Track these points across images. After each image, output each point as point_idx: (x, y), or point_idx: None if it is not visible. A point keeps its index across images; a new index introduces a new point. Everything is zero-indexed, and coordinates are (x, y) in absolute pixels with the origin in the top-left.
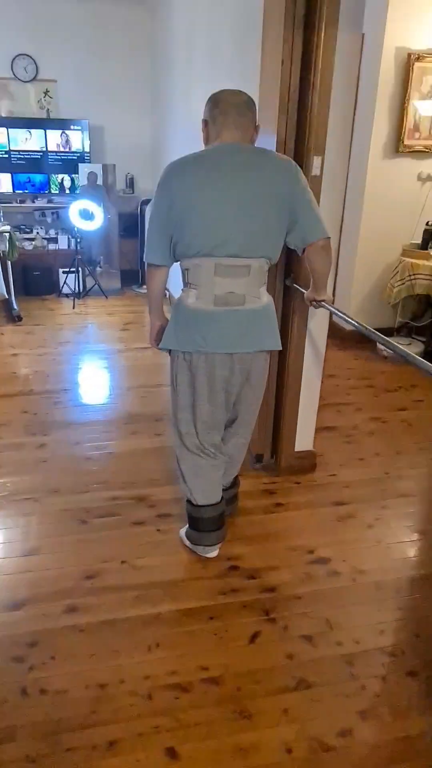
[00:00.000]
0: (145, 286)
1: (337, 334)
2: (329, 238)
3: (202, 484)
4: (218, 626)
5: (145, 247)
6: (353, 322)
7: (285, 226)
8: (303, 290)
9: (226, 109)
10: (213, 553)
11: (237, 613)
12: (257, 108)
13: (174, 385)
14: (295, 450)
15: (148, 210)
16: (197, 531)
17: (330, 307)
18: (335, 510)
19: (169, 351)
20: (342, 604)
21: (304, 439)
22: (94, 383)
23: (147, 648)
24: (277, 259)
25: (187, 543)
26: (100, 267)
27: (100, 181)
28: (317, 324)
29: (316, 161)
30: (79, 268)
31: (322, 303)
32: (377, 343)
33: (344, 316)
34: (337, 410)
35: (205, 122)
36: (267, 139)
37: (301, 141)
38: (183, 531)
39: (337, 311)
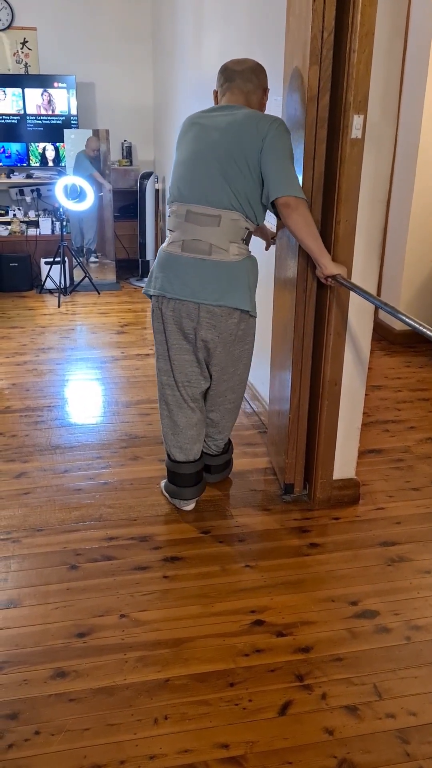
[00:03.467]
0: (145, 279)
1: (384, 335)
2: (295, 197)
3: (180, 441)
4: (240, 695)
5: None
6: (402, 316)
7: (259, 184)
8: (340, 279)
9: (231, 75)
10: (189, 506)
11: (263, 678)
12: (283, 56)
13: (153, 335)
14: (334, 478)
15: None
16: (175, 486)
17: (345, 282)
18: (383, 552)
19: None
20: (393, 668)
21: (344, 465)
22: (85, 398)
23: (153, 721)
24: (260, 218)
25: (166, 495)
26: (96, 257)
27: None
28: (359, 322)
29: (357, 121)
30: (66, 258)
31: (336, 279)
32: None
33: (373, 299)
34: (385, 429)
35: (215, 92)
36: (296, 95)
37: (337, 97)
38: (163, 483)
39: (358, 289)
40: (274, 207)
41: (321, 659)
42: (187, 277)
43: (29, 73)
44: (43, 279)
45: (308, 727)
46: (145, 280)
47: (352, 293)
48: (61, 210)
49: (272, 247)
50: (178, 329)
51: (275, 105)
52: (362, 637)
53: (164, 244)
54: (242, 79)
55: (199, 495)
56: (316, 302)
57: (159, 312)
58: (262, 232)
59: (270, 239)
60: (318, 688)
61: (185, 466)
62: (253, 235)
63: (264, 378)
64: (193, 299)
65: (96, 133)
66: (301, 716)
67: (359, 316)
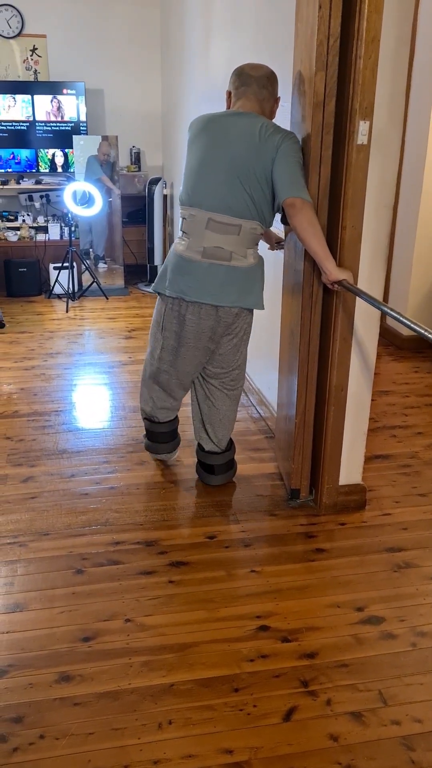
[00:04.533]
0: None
1: (392, 341)
2: (302, 199)
3: (162, 405)
4: (245, 700)
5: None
6: (407, 321)
7: (272, 193)
8: (346, 285)
9: (247, 80)
10: (170, 457)
11: (268, 684)
12: (291, 62)
13: (159, 328)
14: (340, 484)
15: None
16: (154, 442)
17: (352, 288)
18: (390, 558)
19: (159, 295)
20: (399, 675)
21: (350, 471)
22: (92, 403)
23: (157, 726)
24: (270, 223)
25: (146, 448)
26: (104, 263)
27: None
28: (365, 327)
29: (362, 127)
30: (74, 263)
31: (343, 284)
32: None
33: (379, 304)
34: (392, 435)
35: (229, 93)
36: (302, 100)
37: (343, 103)
38: (144, 443)
39: (365, 295)
40: (282, 211)
41: (326, 665)
42: (207, 282)
43: (39, 79)
44: (52, 284)
45: (313, 733)
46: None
47: (358, 299)
48: (69, 215)
49: (280, 253)
50: (197, 330)
51: (283, 110)
52: (368, 644)
53: (180, 247)
54: (258, 85)
55: (174, 450)
56: (323, 308)
57: (177, 313)
58: (266, 235)
59: (274, 243)
60: (323, 694)
61: (161, 426)
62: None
63: (271, 383)
64: (213, 302)
65: (105, 139)
66: (306, 722)
67: (366, 322)
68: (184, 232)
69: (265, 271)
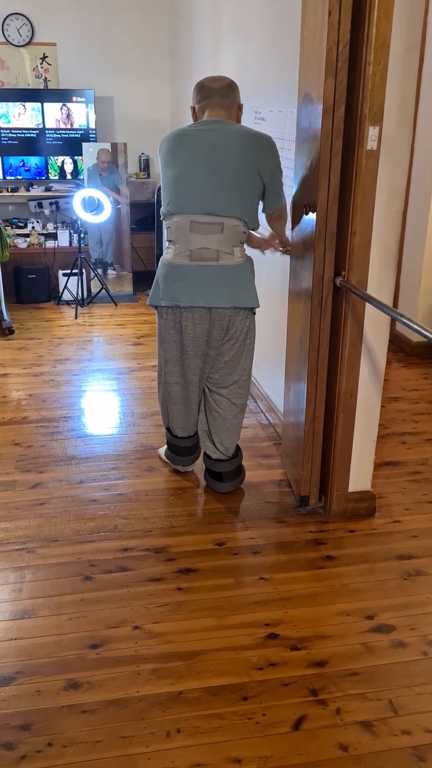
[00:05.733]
0: None
1: (401, 347)
2: (283, 206)
3: (183, 423)
4: (254, 709)
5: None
6: (416, 326)
7: (258, 194)
8: (355, 291)
9: (210, 93)
10: (189, 468)
11: (277, 692)
12: (297, 69)
13: (161, 342)
14: (349, 491)
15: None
16: (175, 454)
17: (361, 294)
18: (400, 565)
19: (156, 309)
20: (409, 684)
21: (360, 478)
22: (101, 409)
23: (165, 734)
24: (255, 224)
25: (166, 460)
26: (113, 269)
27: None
28: (375, 333)
29: (372, 132)
30: (83, 270)
31: (280, 249)
32: None
33: (389, 310)
34: (402, 441)
35: (193, 108)
36: (311, 107)
37: (352, 108)
38: (162, 450)
39: (374, 300)
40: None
41: (336, 674)
42: (198, 285)
43: (48, 87)
44: (61, 291)
45: (322, 743)
46: None
47: (368, 304)
48: (78, 222)
49: (285, 259)
50: (194, 335)
51: (290, 117)
52: (378, 652)
53: (168, 256)
54: (220, 95)
55: (194, 462)
56: (332, 313)
57: (173, 322)
58: (256, 242)
59: (276, 246)
60: (333, 703)
61: (184, 440)
62: (248, 247)
63: (279, 389)
64: (206, 305)
65: (114, 146)
66: (316, 732)
67: (375, 328)
68: (169, 240)
69: (272, 277)
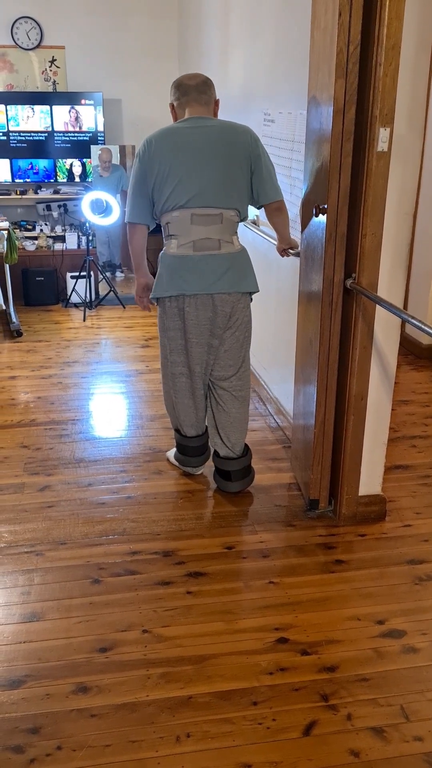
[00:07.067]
0: None
1: (411, 350)
2: (281, 200)
3: (193, 420)
4: (264, 714)
5: (126, 208)
6: (427, 328)
7: (247, 184)
8: (366, 293)
9: (187, 90)
10: (199, 470)
11: (287, 697)
12: (307, 70)
13: (164, 332)
14: (360, 494)
15: (131, 178)
16: (185, 455)
17: (371, 296)
18: (410, 570)
19: (157, 301)
20: (421, 689)
21: (370, 481)
22: (109, 412)
23: (175, 739)
24: (246, 213)
25: (175, 463)
26: (121, 272)
27: (116, 160)
28: (385, 336)
29: (383, 134)
30: (91, 272)
31: (288, 251)
32: None
33: (400, 312)
34: (412, 445)
35: (172, 105)
36: (321, 108)
37: (363, 110)
38: (171, 453)
39: (384, 302)
40: (260, 205)
41: (346, 679)
42: (202, 273)
43: (57, 90)
44: (69, 293)
45: (333, 749)
46: None
47: (378, 306)
48: (87, 225)
49: (294, 261)
50: (197, 321)
51: (300, 119)
52: (389, 657)
53: (171, 249)
54: (198, 92)
55: (204, 463)
56: (342, 316)
57: (177, 309)
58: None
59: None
60: (343, 708)
61: (194, 440)
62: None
63: (288, 392)
64: (210, 291)
65: (123, 149)
66: (326, 737)
67: (385, 330)
68: (170, 234)
69: (282, 279)
